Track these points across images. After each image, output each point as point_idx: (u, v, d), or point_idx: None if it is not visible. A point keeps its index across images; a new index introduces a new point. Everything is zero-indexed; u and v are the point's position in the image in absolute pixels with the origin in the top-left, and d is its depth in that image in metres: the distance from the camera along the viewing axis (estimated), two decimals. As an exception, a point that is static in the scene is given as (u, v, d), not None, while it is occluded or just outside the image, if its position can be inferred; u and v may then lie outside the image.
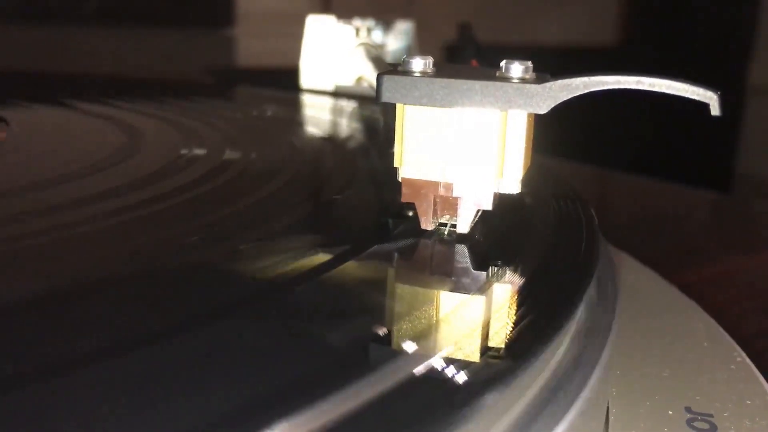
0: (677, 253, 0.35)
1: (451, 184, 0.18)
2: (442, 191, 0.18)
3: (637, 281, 0.24)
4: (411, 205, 0.19)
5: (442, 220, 0.19)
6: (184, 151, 0.26)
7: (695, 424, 0.15)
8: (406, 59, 0.18)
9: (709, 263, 0.34)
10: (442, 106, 0.18)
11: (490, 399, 0.11)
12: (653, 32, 1.43)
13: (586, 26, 1.41)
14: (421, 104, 0.18)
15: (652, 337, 0.19)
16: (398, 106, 0.18)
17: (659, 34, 1.41)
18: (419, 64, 0.18)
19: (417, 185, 0.19)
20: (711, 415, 0.16)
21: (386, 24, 0.50)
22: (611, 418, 0.15)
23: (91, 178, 0.23)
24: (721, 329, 0.21)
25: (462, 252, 0.18)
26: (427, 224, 0.19)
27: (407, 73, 0.18)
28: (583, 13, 1.40)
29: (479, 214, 0.19)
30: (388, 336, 0.13)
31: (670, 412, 0.16)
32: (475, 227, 0.19)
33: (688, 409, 0.16)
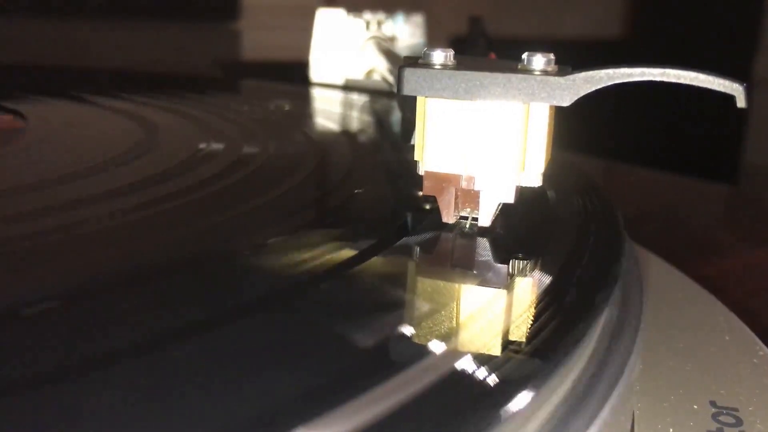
0: (691, 246, 0.35)
1: (473, 177, 0.18)
2: (463, 184, 0.18)
3: (655, 275, 0.24)
4: (431, 199, 0.19)
5: (464, 214, 0.19)
6: (202, 146, 0.26)
7: (721, 418, 0.15)
8: (427, 52, 0.18)
9: (725, 256, 0.34)
10: (464, 98, 0.18)
11: (523, 399, 0.11)
12: (660, 25, 1.42)
13: (592, 20, 1.40)
14: (443, 97, 0.18)
15: (673, 331, 0.19)
16: (419, 99, 0.18)
17: (666, 27, 1.40)
18: (440, 56, 0.18)
19: (439, 178, 0.18)
20: (736, 409, 0.15)
21: (397, 17, 0.50)
22: (636, 413, 0.15)
23: (109, 173, 0.23)
24: (741, 323, 0.20)
25: (484, 246, 0.18)
26: (449, 217, 0.19)
27: (428, 65, 0.18)
28: (590, 7, 1.39)
29: (500, 207, 0.19)
30: (413, 335, 0.13)
31: (695, 407, 0.15)
32: (496, 221, 0.19)
33: (712, 403, 0.16)
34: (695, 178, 0.53)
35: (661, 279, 0.24)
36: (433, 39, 0.53)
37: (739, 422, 0.15)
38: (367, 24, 0.48)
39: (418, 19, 0.52)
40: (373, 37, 0.46)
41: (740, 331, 0.20)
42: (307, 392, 0.11)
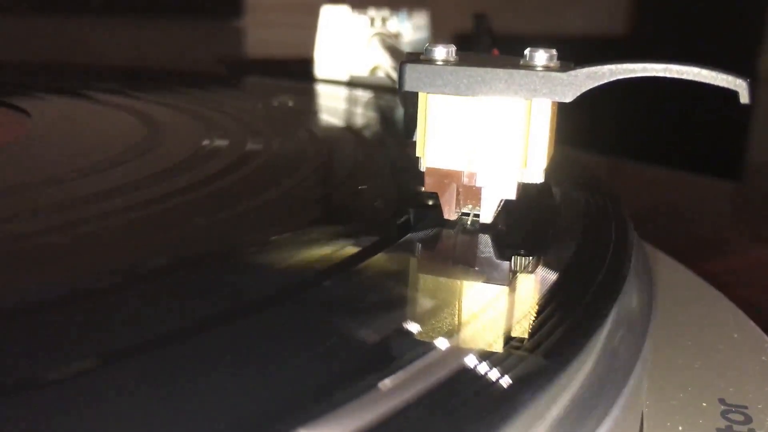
0: (697, 243, 0.35)
1: (475, 173, 0.18)
2: (465, 181, 0.18)
3: (662, 272, 0.24)
4: (433, 195, 0.19)
5: (465, 210, 0.19)
6: (205, 143, 0.26)
7: (730, 416, 0.15)
8: (429, 48, 0.18)
9: (731, 253, 0.33)
10: (465, 94, 0.18)
11: (531, 398, 0.11)
12: (664, 22, 1.42)
13: (596, 17, 1.40)
14: (444, 93, 0.18)
15: (681, 329, 0.19)
16: (421, 95, 0.18)
17: (671, 24, 1.39)
18: (442, 52, 0.18)
19: (440, 174, 0.18)
20: (745, 407, 0.15)
21: (401, 14, 0.50)
22: (645, 410, 0.15)
23: (113, 170, 0.23)
24: (749, 320, 0.20)
25: (486, 242, 0.18)
26: (450, 214, 0.19)
27: (430, 61, 0.18)
28: (594, 4, 1.39)
29: (502, 203, 0.19)
30: (416, 332, 0.13)
31: (704, 404, 0.15)
32: (498, 217, 0.19)
33: (722, 401, 0.15)
34: (701, 175, 0.52)
35: (669, 276, 0.24)
36: (438, 36, 0.52)
37: (748, 420, 0.15)
38: (372, 21, 0.48)
39: (422, 15, 0.52)
40: (378, 34, 0.46)
41: (748, 328, 0.20)
42: (308, 391, 0.11)
